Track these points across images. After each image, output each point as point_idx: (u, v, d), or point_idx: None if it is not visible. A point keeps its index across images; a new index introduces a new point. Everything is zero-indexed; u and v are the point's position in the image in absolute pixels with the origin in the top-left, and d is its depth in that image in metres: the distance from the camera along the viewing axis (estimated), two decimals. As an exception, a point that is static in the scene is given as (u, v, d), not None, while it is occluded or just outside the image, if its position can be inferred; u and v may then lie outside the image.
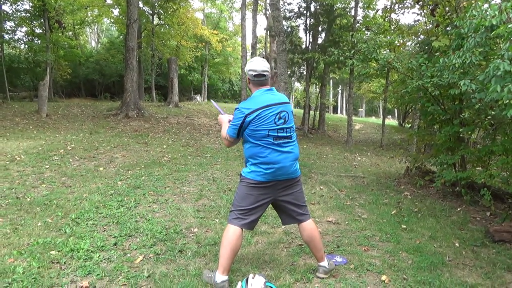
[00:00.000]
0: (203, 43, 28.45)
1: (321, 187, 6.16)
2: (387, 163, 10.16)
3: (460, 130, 5.37)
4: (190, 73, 32.03)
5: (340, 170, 8.20)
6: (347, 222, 4.37)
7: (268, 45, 19.36)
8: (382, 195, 5.91)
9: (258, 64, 2.70)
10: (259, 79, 2.70)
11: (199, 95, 28.37)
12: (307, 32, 18.02)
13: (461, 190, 5.45)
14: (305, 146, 12.70)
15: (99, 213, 4.17)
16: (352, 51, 7.16)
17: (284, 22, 17.26)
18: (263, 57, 18.68)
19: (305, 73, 19.11)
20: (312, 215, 4.57)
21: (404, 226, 4.28)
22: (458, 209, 5.18)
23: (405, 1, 9.80)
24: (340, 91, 49.60)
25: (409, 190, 6.33)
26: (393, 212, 4.86)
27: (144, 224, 3.87)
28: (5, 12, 19.43)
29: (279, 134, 2.64)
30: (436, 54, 5.48)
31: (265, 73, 2.69)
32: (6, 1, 19.53)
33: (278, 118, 2.64)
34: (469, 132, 5.77)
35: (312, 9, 17.57)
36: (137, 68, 15.69)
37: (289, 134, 2.71)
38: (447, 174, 5.37)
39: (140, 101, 17.07)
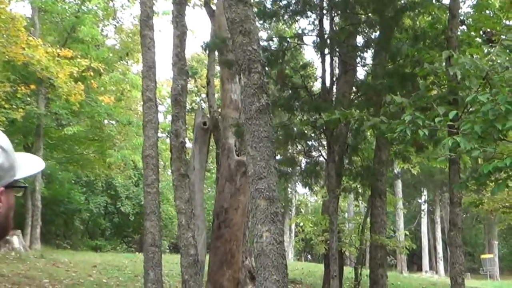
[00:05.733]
0: (32, 86, 17.59)
1: None
2: None
3: None
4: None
5: None
6: None
7: (217, 86, 10.11)
8: None
9: None
10: None
11: (20, 231, 16.83)
12: (324, 51, 8.89)
13: None
14: None
15: None
16: (460, 113, 5.37)
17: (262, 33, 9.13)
18: (202, 116, 9.54)
19: (321, 159, 9.45)
20: None
21: None
22: None
23: None
24: (424, 211, 34.30)
25: None
26: None
27: None
28: None
29: None
30: None
31: None
32: None
33: None
34: None
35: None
36: None
37: None
38: None
39: None
